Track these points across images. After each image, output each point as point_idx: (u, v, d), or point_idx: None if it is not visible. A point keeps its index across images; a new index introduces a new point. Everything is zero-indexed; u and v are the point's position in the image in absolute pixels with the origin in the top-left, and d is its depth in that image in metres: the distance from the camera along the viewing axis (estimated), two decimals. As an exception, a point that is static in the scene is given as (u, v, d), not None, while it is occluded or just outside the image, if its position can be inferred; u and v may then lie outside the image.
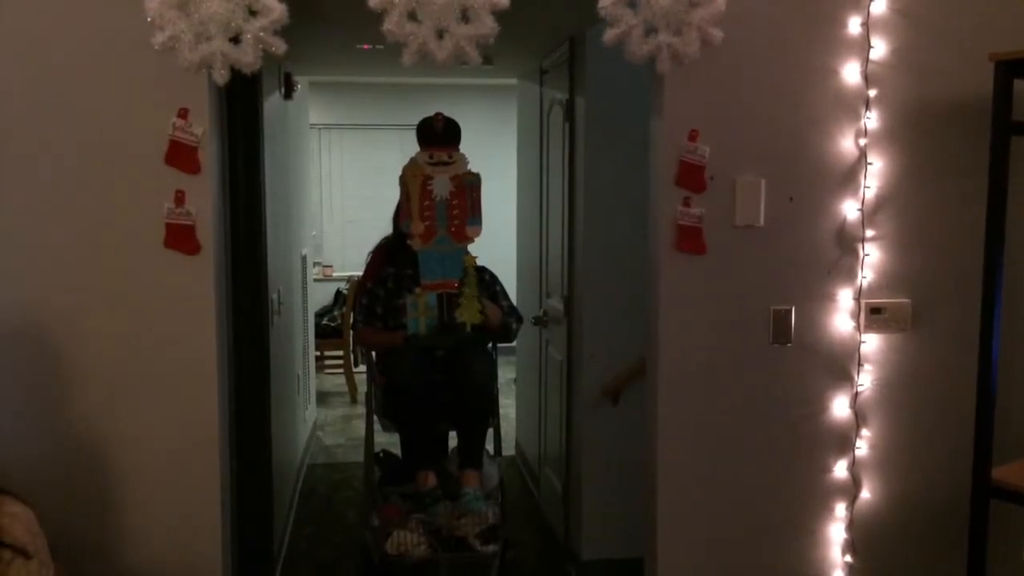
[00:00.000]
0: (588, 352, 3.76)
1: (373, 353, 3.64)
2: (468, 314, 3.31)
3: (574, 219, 3.87)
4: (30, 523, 1.85)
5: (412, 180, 3.22)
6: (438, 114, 3.28)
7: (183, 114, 2.39)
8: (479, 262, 3.37)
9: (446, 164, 3.23)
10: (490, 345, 3.52)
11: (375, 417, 3.57)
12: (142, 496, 2.48)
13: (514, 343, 4.10)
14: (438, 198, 3.22)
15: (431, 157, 3.23)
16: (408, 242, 3.28)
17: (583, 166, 3.71)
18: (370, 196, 8.02)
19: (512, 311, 3.58)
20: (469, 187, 3.24)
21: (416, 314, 3.32)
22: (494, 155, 6.71)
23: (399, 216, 3.40)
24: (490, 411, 3.45)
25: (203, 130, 2.40)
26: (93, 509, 2.47)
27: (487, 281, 3.53)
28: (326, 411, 6.81)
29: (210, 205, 2.45)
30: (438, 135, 3.26)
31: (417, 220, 3.22)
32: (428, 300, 3.29)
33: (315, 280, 6.96)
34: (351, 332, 3.51)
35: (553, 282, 4.30)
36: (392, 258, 3.56)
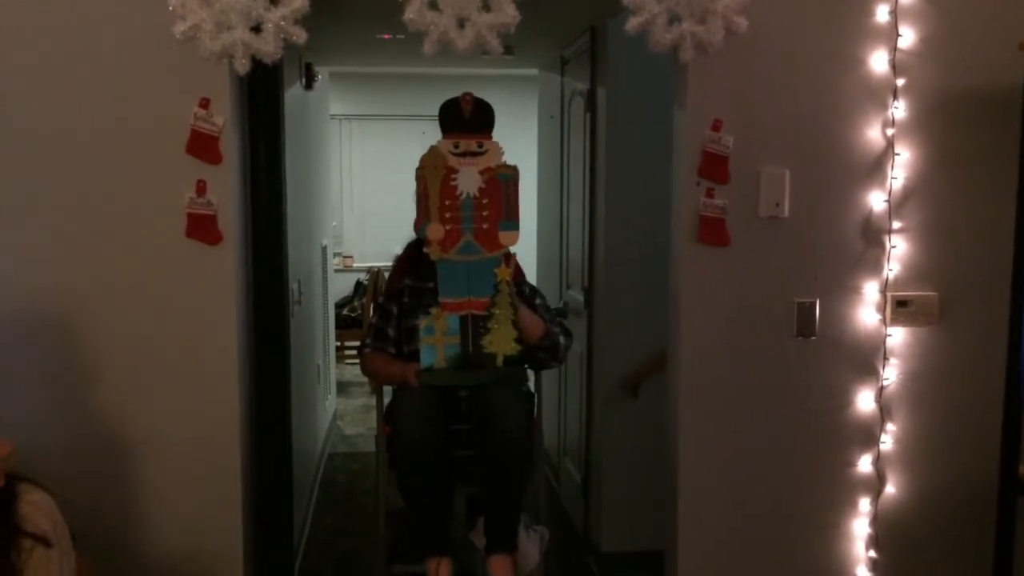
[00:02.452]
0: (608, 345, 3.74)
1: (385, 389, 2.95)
2: (500, 343, 2.65)
3: (595, 210, 3.85)
4: (51, 511, 1.85)
5: (432, 173, 2.67)
6: (466, 94, 2.72)
7: (204, 104, 2.39)
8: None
9: (475, 154, 2.67)
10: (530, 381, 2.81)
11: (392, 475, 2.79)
12: (162, 484, 2.49)
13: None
14: (463, 195, 2.66)
15: (456, 146, 2.67)
16: (424, 250, 2.69)
17: (604, 157, 3.69)
18: (390, 187, 8.00)
19: (558, 324, 2.87)
20: (504, 183, 2.69)
21: (432, 340, 2.65)
22: (513, 146, 6.66)
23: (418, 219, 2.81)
24: (529, 474, 2.70)
25: (224, 120, 2.40)
26: (113, 498, 2.48)
27: (526, 295, 2.88)
28: (346, 401, 6.83)
29: (231, 195, 2.45)
30: (465, 120, 2.71)
31: (436, 222, 2.65)
32: (448, 323, 2.65)
33: (335, 271, 6.98)
34: (360, 355, 2.90)
35: (573, 274, 4.27)
36: (413, 268, 2.94)
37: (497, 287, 2.65)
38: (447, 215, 2.67)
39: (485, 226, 2.67)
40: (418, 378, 2.64)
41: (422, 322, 2.67)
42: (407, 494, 2.66)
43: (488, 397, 2.62)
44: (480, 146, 2.68)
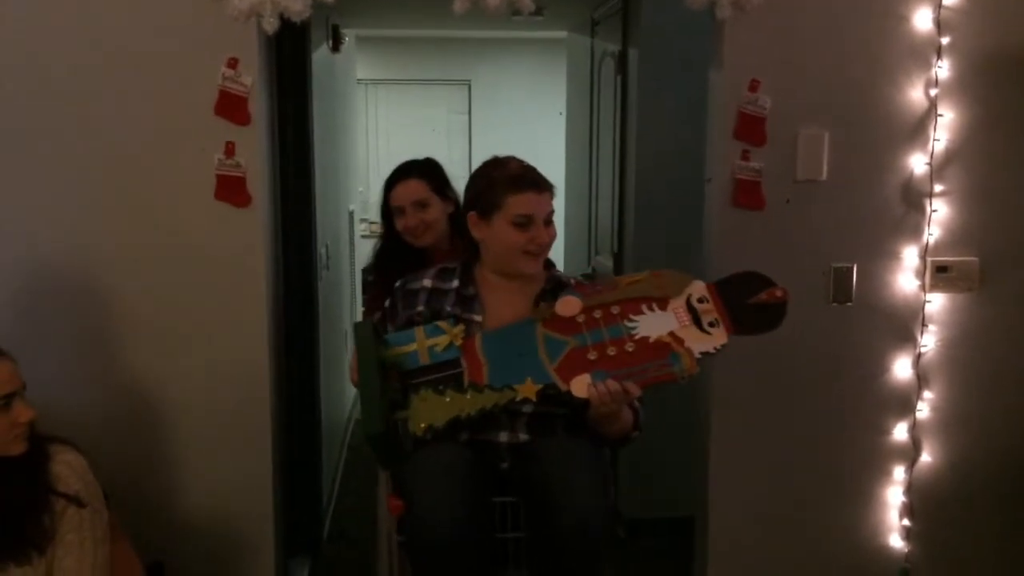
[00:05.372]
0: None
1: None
2: (432, 410, 1.86)
3: (625, 174, 3.79)
4: (83, 471, 1.86)
5: (653, 282, 2.02)
6: (778, 291, 2.06)
7: (232, 64, 2.36)
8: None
9: (706, 326, 1.95)
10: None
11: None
12: (193, 447, 2.50)
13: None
14: (634, 326, 1.95)
15: (702, 300, 1.99)
16: (538, 304, 2.02)
17: (635, 119, 3.62)
18: (417, 152, 7.92)
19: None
20: (665, 372, 1.91)
21: (419, 340, 1.95)
22: (542, 113, 6.80)
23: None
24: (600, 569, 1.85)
25: (252, 80, 2.37)
26: (145, 459, 2.49)
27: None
28: (373, 367, 6.83)
29: (259, 157, 2.42)
30: (740, 312, 2.00)
31: (583, 301, 1.99)
32: (450, 348, 1.94)
33: (362, 236, 6.96)
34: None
35: (603, 239, 4.23)
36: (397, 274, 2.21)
37: (508, 390, 1.89)
38: (596, 314, 1.97)
39: (592, 357, 1.91)
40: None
41: (438, 323, 1.99)
42: None
43: (546, 458, 1.86)
44: (713, 330, 1.95)
